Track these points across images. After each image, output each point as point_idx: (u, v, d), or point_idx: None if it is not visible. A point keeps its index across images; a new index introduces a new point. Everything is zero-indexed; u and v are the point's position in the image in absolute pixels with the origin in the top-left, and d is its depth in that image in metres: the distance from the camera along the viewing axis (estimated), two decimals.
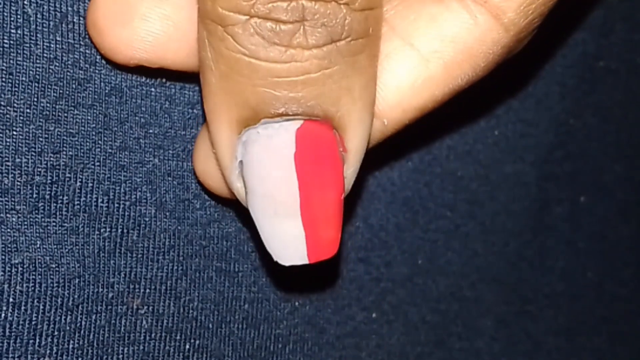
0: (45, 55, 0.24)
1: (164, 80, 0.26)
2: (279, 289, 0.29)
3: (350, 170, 0.23)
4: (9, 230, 0.24)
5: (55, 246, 0.24)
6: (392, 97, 0.23)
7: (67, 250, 0.25)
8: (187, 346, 0.27)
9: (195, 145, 0.25)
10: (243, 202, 0.23)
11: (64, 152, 0.24)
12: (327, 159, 0.22)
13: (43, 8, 0.24)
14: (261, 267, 0.28)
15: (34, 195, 0.24)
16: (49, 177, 0.24)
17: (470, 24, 0.23)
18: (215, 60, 0.21)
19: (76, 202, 0.25)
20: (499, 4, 0.22)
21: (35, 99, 0.24)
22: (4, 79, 0.23)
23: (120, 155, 0.25)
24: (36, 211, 0.24)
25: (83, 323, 0.25)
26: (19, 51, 0.24)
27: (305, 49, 0.20)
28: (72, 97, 0.24)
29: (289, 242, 0.22)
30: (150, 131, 0.26)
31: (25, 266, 0.24)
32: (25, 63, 0.24)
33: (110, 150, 0.25)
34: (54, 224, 0.24)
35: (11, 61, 0.23)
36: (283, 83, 0.21)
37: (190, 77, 0.26)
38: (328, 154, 0.22)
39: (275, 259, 0.23)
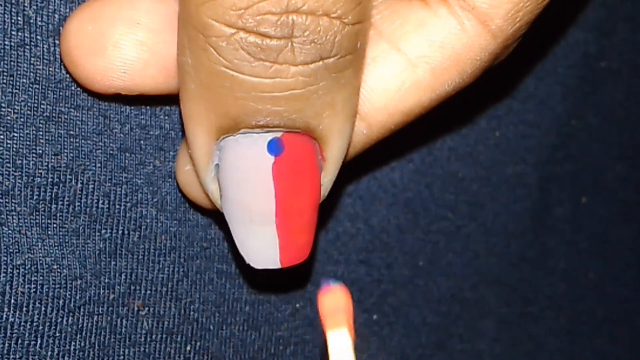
0: (45, 57, 0.24)
1: None
2: (279, 290, 0.29)
3: (328, 178, 0.23)
4: (10, 231, 0.24)
5: (56, 247, 0.24)
6: (378, 100, 0.23)
7: (68, 251, 0.25)
8: (188, 348, 0.27)
9: (177, 155, 0.25)
10: (217, 205, 0.23)
11: (65, 154, 0.24)
12: (305, 168, 0.22)
13: (43, 10, 0.24)
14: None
15: (35, 197, 0.24)
16: (49, 179, 0.24)
17: (458, 30, 0.22)
18: (195, 67, 0.20)
19: (77, 204, 0.25)
20: (487, 11, 0.22)
21: (36, 101, 0.24)
22: (4, 81, 0.23)
23: (121, 157, 0.26)
24: (37, 213, 0.24)
25: (84, 324, 0.25)
26: (19, 53, 0.24)
27: (292, 65, 0.20)
28: (73, 98, 0.25)
29: (262, 247, 0.22)
30: (151, 133, 0.26)
31: (26, 268, 0.24)
32: (25, 65, 0.24)
33: (110, 152, 0.25)
34: (55, 225, 0.24)
35: (12, 63, 0.23)
36: (266, 98, 0.20)
37: None
38: (307, 164, 0.22)
39: (247, 262, 0.23)
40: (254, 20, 0.19)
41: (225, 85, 0.20)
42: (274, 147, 0.21)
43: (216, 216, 0.27)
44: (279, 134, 0.21)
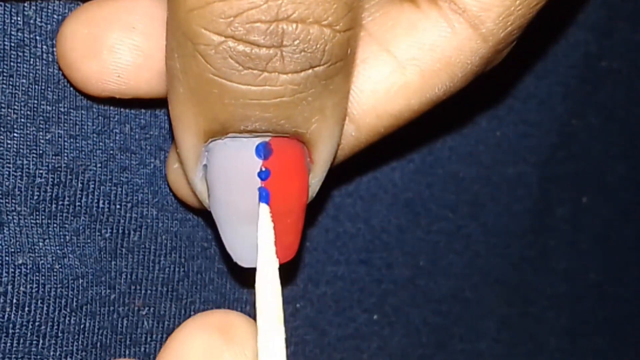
0: (45, 57, 0.24)
1: None
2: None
3: (316, 180, 0.23)
4: (11, 232, 0.24)
5: (57, 247, 0.24)
6: (367, 102, 0.23)
7: (69, 251, 0.25)
8: None
9: (169, 155, 0.25)
10: (205, 204, 0.23)
11: (65, 154, 0.24)
12: (293, 172, 0.22)
13: (43, 11, 0.24)
14: None
15: (35, 197, 0.24)
16: (50, 179, 0.24)
17: (448, 32, 0.22)
18: (183, 72, 0.20)
19: (77, 204, 0.25)
20: (478, 14, 0.22)
21: (36, 101, 0.24)
22: (4, 81, 0.23)
23: (122, 157, 0.26)
24: (37, 213, 0.24)
25: (86, 324, 0.25)
26: (19, 53, 0.24)
27: (281, 73, 0.20)
28: (73, 98, 0.25)
29: (249, 246, 0.22)
30: (151, 133, 0.26)
31: (28, 267, 0.24)
32: (25, 65, 0.24)
33: (111, 152, 0.25)
34: (56, 225, 0.24)
35: (12, 63, 0.24)
36: (255, 104, 0.20)
37: None
38: (295, 168, 0.22)
39: (235, 260, 0.23)
40: (243, 29, 0.19)
41: (214, 92, 0.20)
42: (262, 151, 0.21)
43: (205, 215, 0.27)
44: (267, 139, 0.21)
